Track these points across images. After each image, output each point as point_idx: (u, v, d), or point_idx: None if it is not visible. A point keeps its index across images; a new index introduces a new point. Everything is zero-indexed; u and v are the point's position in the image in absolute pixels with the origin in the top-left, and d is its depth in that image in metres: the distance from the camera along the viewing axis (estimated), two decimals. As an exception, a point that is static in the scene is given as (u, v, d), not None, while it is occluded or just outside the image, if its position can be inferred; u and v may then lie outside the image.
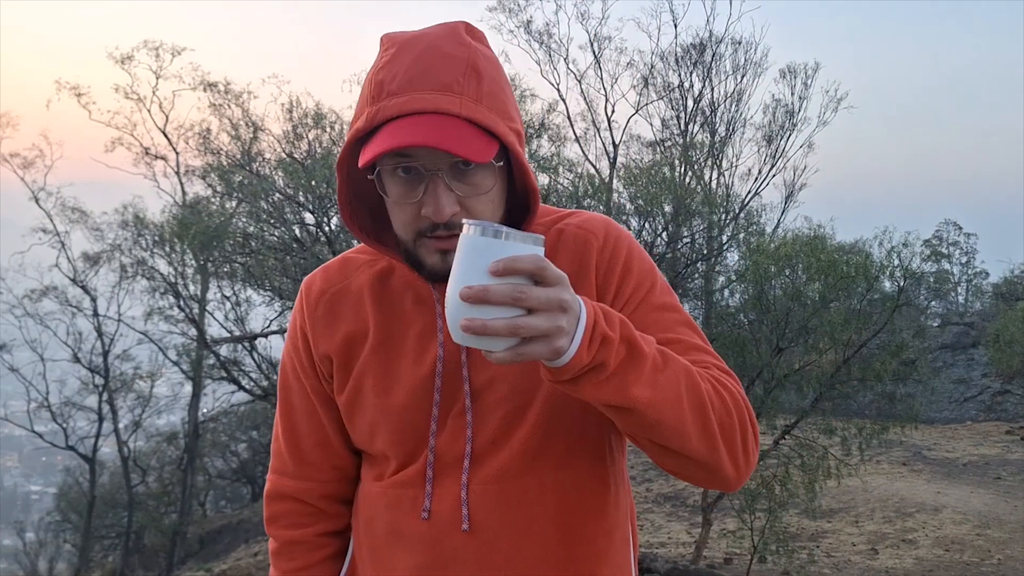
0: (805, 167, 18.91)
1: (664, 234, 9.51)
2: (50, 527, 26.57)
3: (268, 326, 11.43)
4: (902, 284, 8.31)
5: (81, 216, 18.93)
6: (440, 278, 1.17)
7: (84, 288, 19.33)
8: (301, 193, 8.52)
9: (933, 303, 17.56)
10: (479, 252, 0.94)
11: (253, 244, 9.05)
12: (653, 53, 18.50)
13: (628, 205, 9.40)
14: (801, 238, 9.54)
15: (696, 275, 10.57)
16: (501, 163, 1.18)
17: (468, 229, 0.96)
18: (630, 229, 10.43)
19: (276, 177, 9.22)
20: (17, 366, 19.85)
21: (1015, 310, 16.36)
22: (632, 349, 1.03)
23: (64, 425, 20.19)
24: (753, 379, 7.90)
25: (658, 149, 17.58)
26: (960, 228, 31.01)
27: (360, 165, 1.14)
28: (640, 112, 18.15)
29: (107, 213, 18.08)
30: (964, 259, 30.89)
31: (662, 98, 18.70)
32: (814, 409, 8.18)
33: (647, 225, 9.27)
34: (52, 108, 18.45)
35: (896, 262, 8.08)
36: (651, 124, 19.17)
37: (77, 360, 19.72)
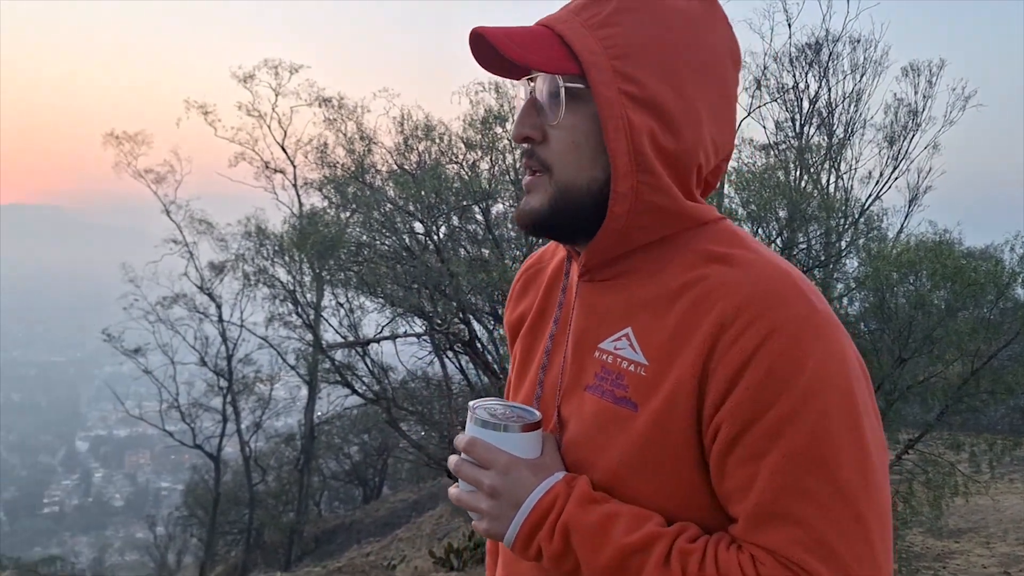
0: (930, 169, 17.94)
1: (779, 240, 9.25)
2: (178, 521, 27.85)
3: (380, 332, 11.76)
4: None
5: (208, 227, 19.81)
6: (520, 223, 1.07)
7: (210, 295, 20.14)
8: (411, 203, 8.75)
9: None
10: (467, 428, 1.07)
11: (366, 253, 9.33)
12: (766, 54, 17.99)
13: (740, 210, 9.19)
14: (926, 243, 9.10)
15: (813, 282, 10.22)
16: (578, 85, 0.97)
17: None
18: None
19: (387, 188, 9.50)
20: (150, 368, 20.69)
21: None
22: (568, 561, 0.98)
23: (192, 425, 21.09)
24: (874, 391, 7.59)
25: (771, 152, 17.08)
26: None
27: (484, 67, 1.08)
28: (752, 115, 17.70)
29: (231, 224, 18.91)
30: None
31: (775, 100, 18.18)
32: (940, 423, 7.78)
33: (760, 231, 9.04)
34: (181, 126, 19.42)
35: (1030, 268, 7.60)
36: (764, 127, 18.64)
37: (204, 363, 20.60)
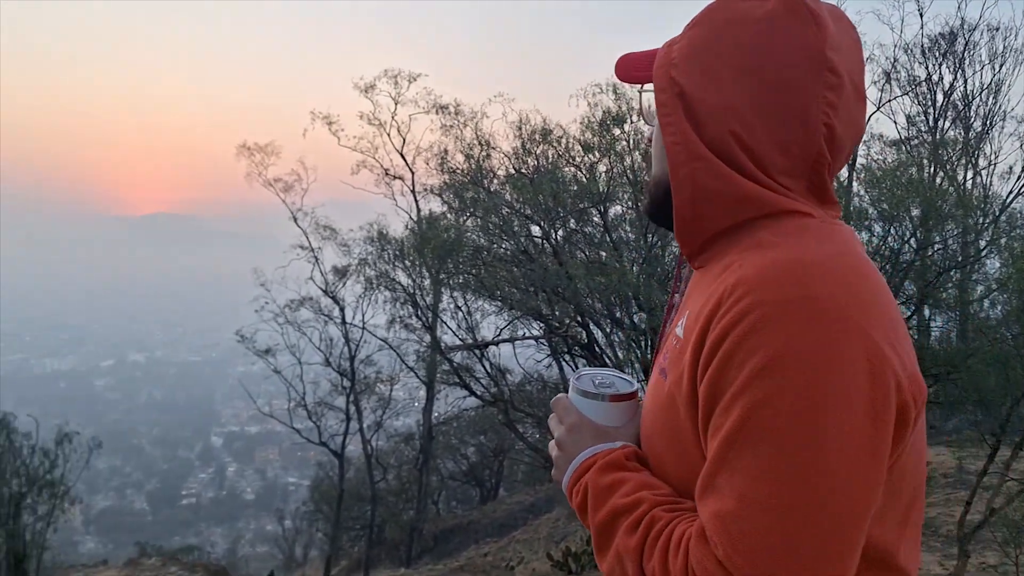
0: (1082, 163, 16.61)
1: (912, 240, 8.79)
2: (305, 516, 28.90)
3: (498, 334, 11.86)
4: None
5: (332, 233, 20.36)
6: (648, 217, 1.32)
7: (334, 298, 20.71)
8: (528, 207, 8.80)
9: None
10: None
11: (484, 256, 9.45)
12: (896, 46, 17.18)
13: (870, 209, 8.80)
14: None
15: (949, 284, 9.65)
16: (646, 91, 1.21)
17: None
18: (871, 235, 9.75)
19: (505, 192, 9.58)
20: (279, 368, 21.38)
21: None
22: (585, 517, 1.11)
23: (317, 423, 21.63)
24: (1018, 399, 7.08)
25: (903, 148, 16.25)
26: None
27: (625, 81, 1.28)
28: (882, 109, 16.89)
29: (353, 230, 19.47)
30: None
31: (906, 93, 17.30)
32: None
33: (892, 231, 8.60)
34: (308, 136, 20.12)
35: None
36: (895, 121, 17.79)
37: (328, 364, 21.14)
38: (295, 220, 20.79)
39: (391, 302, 16.44)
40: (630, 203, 8.71)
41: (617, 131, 8.73)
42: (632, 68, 1.19)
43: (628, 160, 8.57)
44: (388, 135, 19.56)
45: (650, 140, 1.19)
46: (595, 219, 9.16)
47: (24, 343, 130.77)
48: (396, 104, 19.16)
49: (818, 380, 0.88)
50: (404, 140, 19.48)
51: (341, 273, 20.45)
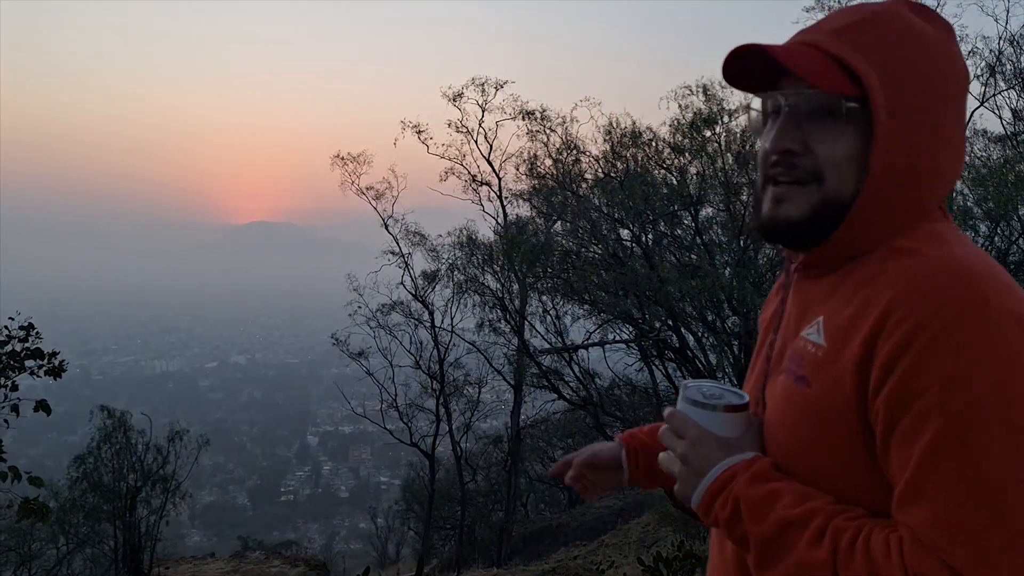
0: None
1: (1021, 240, 8.37)
2: (397, 515, 29.28)
3: (588, 338, 11.82)
4: None
5: (421, 239, 20.53)
6: (768, 231, 1.13)
7: (423, 303, 20.84)
8: (617, 210, 8.79)
9: None
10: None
11: (573, 260, 9.48)
12: (1000, 37, 16.34)
13: (975, 209, 8.43)
14: None
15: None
16: (856, 105, 1.04)
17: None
18: (976, 235, 9.31)
19: (593, 196, 9.59)
20: (372, 370, 21.69)
21: None
22: (738, 530, 1.07)
23: (408, 424, 21.85)
24: None
25: (1009, 144, 15.45)
26: None
27: (729, 83, 1.16)
28: (986, 104, 16.12)
29: (441, 236, 19.72)
30: None
31: (1013, 87, 16.44)
32: None
33: (999, 230, 8.22)
34: (398, 145, 20.51)
35: None
36: (1000, 116, 16.90)
37: (418, 366, 21.31)
38: (386, 227, 21.03)
39: (480, 306, 16.59)
40: (722, 205, 8.59)
41: (708, 132, 8.63)
42: (808, 64, 1.04)
43: (720, 162, 8.46)
44: (475, 142, 19.71)
45: (802, 150, 1.07)
46: (686, 222, 9.07)
47: (136, 346, 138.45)
48: (483, 111, 19.30)
49: (1005, 384, 0.92)
50: (491, 146, 19.60)
51: (430, 278, 20.58)
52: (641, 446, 1.53)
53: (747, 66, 1.12)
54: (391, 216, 21.04)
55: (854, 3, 1.12)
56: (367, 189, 21.35)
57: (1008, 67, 16.55)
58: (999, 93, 16.43)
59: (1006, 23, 19.24)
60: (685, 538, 10.71)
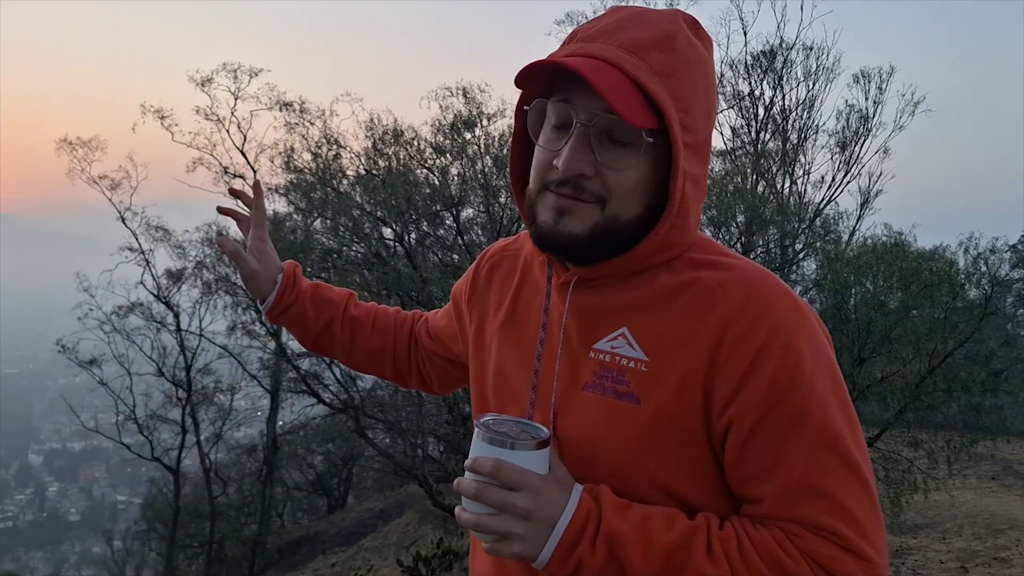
0: (881, 173, 18.44)
1: (738, 244, 9.41)
2: (136, 536, 27.20)
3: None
4: (990, 292, 8.05)
5: (164, 235, 19.35)
6: (547, 242, 1.09)
7: (167, 304, 19.73)
8: (380, 208, 8.72)
9: (1021, 311, 16.85)
10: (474, 446, 1.05)
11: (334, 259, 9.27)
12: (722, 62, 18.32)
13: (701, 216, 9.34)
14: (882, 245, 9.33)
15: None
16: (652, 140, 1.03)
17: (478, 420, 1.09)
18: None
19: (355, 193, 9.44)
20: (106, 380, 20.22)
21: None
22: (619, 571, 1.01)
23: (149, 437, 20.62)
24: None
25: (728, 158, 17.36)
26: (1048, 233, 29.69)
27: (516, 83, 1.08)
28: (709, 122, 17.94)
29: (188, 231, 18.61)
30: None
31: (732, 107, 18.49)
32: (898, 421, 7.97)
33: (721, 235, 9.19)
34: (137, 131, 18.98)
35: (983, 269, 7.84)
36: (721, 133, 18.96)
37: (161, 374, 20.12)
38: (123, 220, 19.56)
39: (232, 307, 15.85)
40: (482, 207, 8.83)
41: (468, 135, 8.84)
42: (616, 91, 0.99)
43: (479, 164, 8.69)
44: (227, 131, 18.77)
45: (593, 173, 1.04)
46: (448, 222, 9.21)
47: None
48: (236, 99, 18.42)
49: (836, 371, 1.05)
50: (245, 137, 18.75)
51: (175, 277, 19.50)
52: (300, 293, 1.57)
53: (534, 69, 1.07)
54: (129, 208, 19.63)
55: (622, 4, 1.15)
56: (100, 178, 19.71)
57: (728, 89, 18.56)
58: (720, 112, 18.41)
59: (727, 48, 21.57)
60: (444, 535, 10.88)
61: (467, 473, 1.03)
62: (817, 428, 1.00)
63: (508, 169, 1.24)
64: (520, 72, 1.04)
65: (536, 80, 1.07)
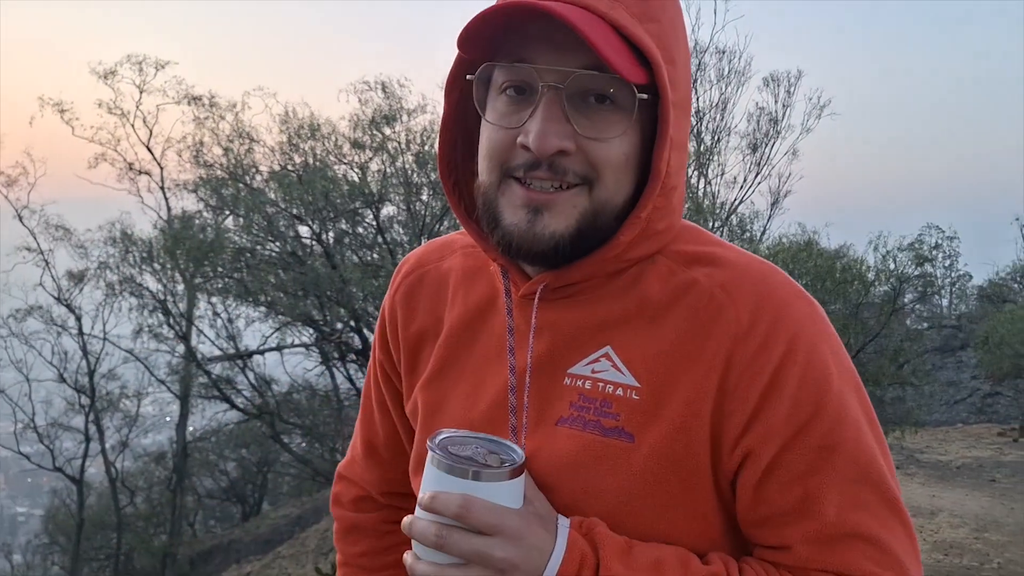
0: (790, 174, 19.10)
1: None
2: (38, 550, 26.34)
3: (264, 343, 11.32)
4: (898, 288, 8.38)
5: (65, 234, 18.74)
6: (519, 249, 0.87)
7: (68, 307, 19.17)
8: (296, 206, 8.47)
9: (919, 306, 17.80)
10: (428, 476, 0.83)
11: (247, 259, 8.99)
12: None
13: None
14: (795, 243, 9.61)
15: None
16: (646, 96, 0.83)
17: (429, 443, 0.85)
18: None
19: (269, 190, 9.16)
20: (3, 387, 19.80)
21: (1003, 312, 16.51)
22: None
23: (51, 446, 20.09)
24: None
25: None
26: (943, 231, 31.34)
27: (458, 47, 0.86)
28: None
29: (91, 230, 17.98)
30: (947, 262, 31.19)
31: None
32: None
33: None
34: (35, 125, 18.33)
35: (892, 267, 8.16)
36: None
37: (63, 380, 19.59)
38: (20, 219, 18.86)
39: (137, 310, 15.43)
40: (403, 204, 8.68)
41: (388, 130, 8.66)
42: (604, 40, 0.80)
43: (400, 160, 8.53)
44: (132, 126, 18.11)
45: (573, 148, 0.83)
46: (368, 220, 9.01)
47: None
48: (141, 93, 17.80)
49: (858, 383, 0.90)
50: (151, 132, 18.14)
51: (77, 278, 18.85)
52: None
53: (483, 22, 0.83)
54: (26, 207, 18.93)
55: None
56: (-7, 174, 18.86)
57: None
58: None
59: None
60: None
61: (421, 511, 0.82)
62: (850, 457, 0.84)
63: (436, 162, 1.02)
64: (466, 28, 0.83)
65: (476, 41, 0.85)
